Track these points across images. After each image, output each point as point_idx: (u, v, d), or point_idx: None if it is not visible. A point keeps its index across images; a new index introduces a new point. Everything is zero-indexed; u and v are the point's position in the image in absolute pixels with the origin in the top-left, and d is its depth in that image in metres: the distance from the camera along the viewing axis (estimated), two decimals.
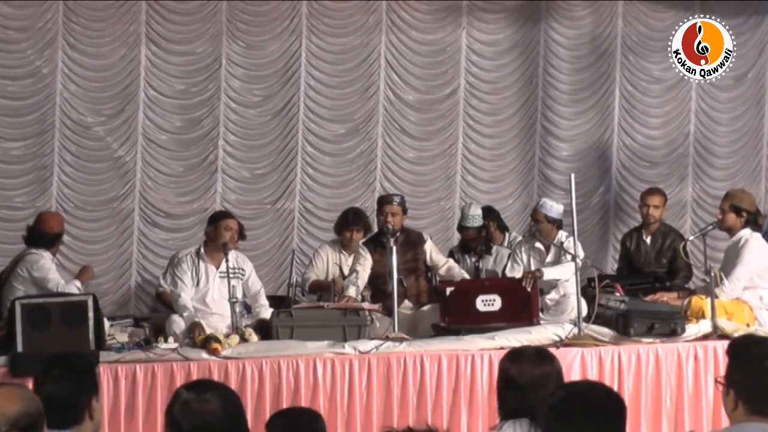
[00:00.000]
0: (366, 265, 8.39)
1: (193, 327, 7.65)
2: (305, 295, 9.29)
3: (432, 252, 8.54)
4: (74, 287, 8.09)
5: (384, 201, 8.63)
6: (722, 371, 3.60)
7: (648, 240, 9.57)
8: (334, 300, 8.30)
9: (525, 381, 4.12)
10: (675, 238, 9.54)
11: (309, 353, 7.39)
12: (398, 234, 8.30)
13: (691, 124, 11.87)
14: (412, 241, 8.48)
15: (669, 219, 10.15)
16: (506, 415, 4.17)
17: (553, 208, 8.62)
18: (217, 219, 8.40)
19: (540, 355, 4.23)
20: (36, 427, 3.30)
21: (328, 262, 9.11)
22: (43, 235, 8.38)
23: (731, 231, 8.45)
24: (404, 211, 8.57)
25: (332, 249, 9.19)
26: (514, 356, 4.28)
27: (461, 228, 9.64)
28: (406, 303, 8.34)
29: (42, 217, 8.74)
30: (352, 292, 8.19)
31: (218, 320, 7.95)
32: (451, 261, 8.69)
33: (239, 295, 8.01)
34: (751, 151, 12.00)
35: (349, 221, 9.12)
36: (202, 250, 8.28)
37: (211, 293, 8.13)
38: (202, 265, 8.20)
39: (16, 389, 3.39)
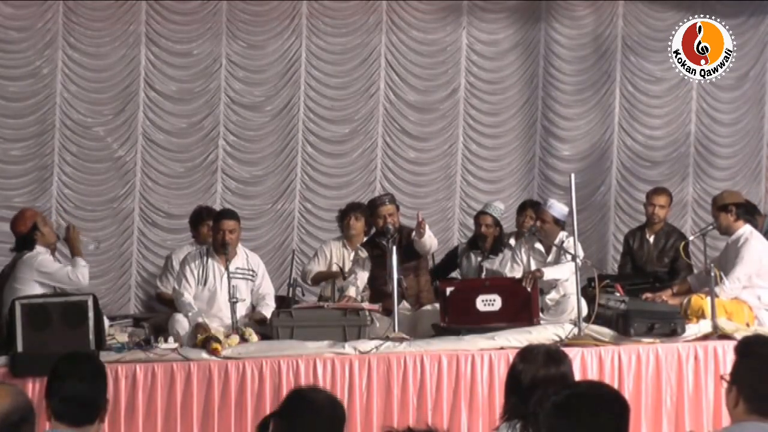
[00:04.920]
0: (365, 266, 8.40)
1: (198, 328, 7.62)
2: (304, 293, 9.29)
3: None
4: (80, 266, 7.95)
5: (377, 203, 8.57)
6: (723, 371, 3.60)
7: (651, 239, 9.58)
8: (335, 295, 8.30)
9: (527, 381, 4.08)
10: (677, 238, 9.54)
11: (309, 353, 7.38)
12: (395, 234, 8.29)
13: (692, 124, 11.87)
14: (407, 241, 8.47)
15: (670, 219, 10.15)
16: (506, 416, 4.14)
17: (560, 209, 8.62)
18: (216, 219, 8.36)
19: (549, 357, 4.18)
20: (26, 422, 3.33)
21: (331, 258, 9.12)
22: (18, 239, 8.18)
23: (729, 230, 8.45)
24: (398, 208, 8.59)
25: (337, 245, 9.20)
26: (524, 355, 4.23)
27: (478, 215, 9.57)
28: (405, 303, 8.32)
29: (11, 222, 8.26)
30: (351, 292, 8.18)
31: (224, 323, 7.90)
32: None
33: (240, 295, 7.96)
34: (752, 151, 12.00)
35: (348, 208, 9.19)
36: (211, 249, 8.23)
37: (218, 294, 8.04)
38: (210, 263, 8.15)
39: (4, 386, 3.42)
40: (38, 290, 7.83)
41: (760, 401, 3.41)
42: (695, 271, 9.49)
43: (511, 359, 4.32)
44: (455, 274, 9.70)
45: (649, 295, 8.35)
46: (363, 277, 8.40)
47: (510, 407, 4.15)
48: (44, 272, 7.89)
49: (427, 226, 8.33)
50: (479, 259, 9.26)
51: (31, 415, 3.36)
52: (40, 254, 7.98)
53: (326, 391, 3.55)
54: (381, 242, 8.35)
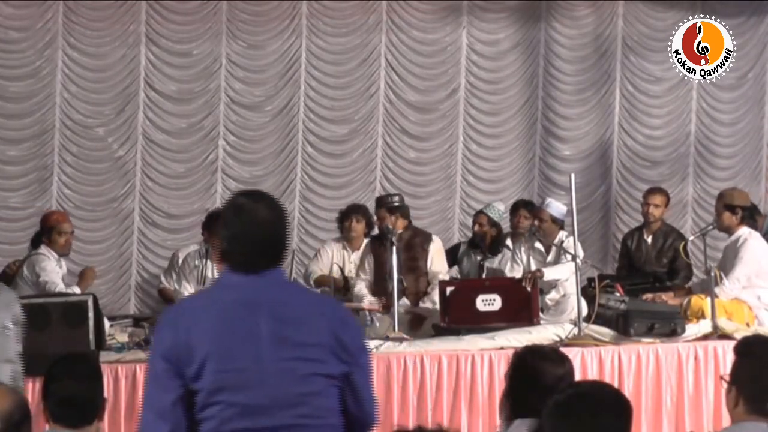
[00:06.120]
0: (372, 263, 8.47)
1: None
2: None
3: (434, 257, 8.51)
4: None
5: (379, 203, 8.70)
6: (723, 371, 3.60)
7: (649, 239, 9.56)
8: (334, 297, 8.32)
9: (550, 380, 4.07)
10: (676, 238, 9.53)
11: None
12: (397, 233, 8.29)
13: (692, 124, 11.86)
14: (415, 242, 8.47)
15: (669, 219, 10.15)
16: (518, 414, 4.12)
17: (558, 208, 8.63)
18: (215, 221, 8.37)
19: (560, 355, 4.22)
20: (26, 422, 3.34)
21: (332, 259, 9.12)
22: (37, 231, 8.44)
23: (729, 230, 8.46)
24: (393, 210, 8.51)
25: (337, 246, 9.20)
26: (538, 354, 4.21)
27: (475, 214, 9.59)
28: (404, 301, 8.33)
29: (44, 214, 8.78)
30: (362, 287, 8.26)
31: None
32: (443, 275, 8.65)
33: None
34: (752, 151, 11.99)
35: (349, 210, 9.17)
36: (210, 249, 8.22)
37: None
38: (209, 264, 8.16)
39: (1, 387, 3.42)
40: (36, 291, 7.89)
41: (760, 401, 3.41)
42: (695, 270, 9.50)
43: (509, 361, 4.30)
44: (455, 273, 9.70)
45: (649, 295, 8.35)
46: (367, 281, 8.48)
47: (522, 405, 4.12)
48: (39, 278, 7.96)
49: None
50: (479, 258, 9.26)
51: (29, 413, 3.38)
52: (46, 260, 8.05)
53: (265, 197, 3.57)
54: (383, 240, 8.36)
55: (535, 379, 4.10)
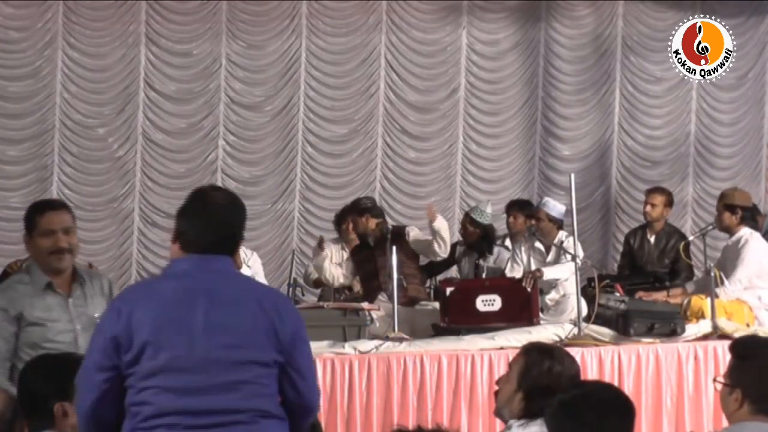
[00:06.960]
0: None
1: None
2: (304, 293, 9.30)
3: (414, 236, 8.43)
4: None
5: (350, 210, 8.75)
6: (723, 371, 3.58)
7: (652, 239, 9.55)
8: (333, 299, 8.33)
9: (566, 379, 4.05)
10: (679, 239, 9.51)
11: None
12: (372, 234, 8.32)
13: (692, 124, 11.87)
14: (391, 239, 8.46)
15: (669, 219, 10.15)
16: (537, 414, 4.10)
17: (556, 207, 8.61)
18: None
19: (570, 355, 4.20)
20: (17, 420, 3.34)
21: (331, 259, 9.12)
22: None
23: (730, 230, 8.45)
24: (363, 212, 8.43)
25: (336, 247, 9.20)
26: (554, 355, 4.17)
27: (467, 217, 9.58)
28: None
29: None
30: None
31: None
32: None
33: None
34: (752, 151, 12.00)
35: (344, 212, 9.15)
36: None
37: None
38: None
39: None
40: None
41: (766, 402, 3.40)
42: (696, 271, 9.49)
43: (510, 359, 4.28)
44: (455, 273, 9.70)
45: (642, 293, 8.32)
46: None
47: (539, 405, 4.08)
48: None
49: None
50: (475, 257, 9.26)
51: (19, 409, 3.37)
52: None
53: (226, 189, 3.78)
54: (367, 242, 8.41)
55: (558, 379, 4.07)
